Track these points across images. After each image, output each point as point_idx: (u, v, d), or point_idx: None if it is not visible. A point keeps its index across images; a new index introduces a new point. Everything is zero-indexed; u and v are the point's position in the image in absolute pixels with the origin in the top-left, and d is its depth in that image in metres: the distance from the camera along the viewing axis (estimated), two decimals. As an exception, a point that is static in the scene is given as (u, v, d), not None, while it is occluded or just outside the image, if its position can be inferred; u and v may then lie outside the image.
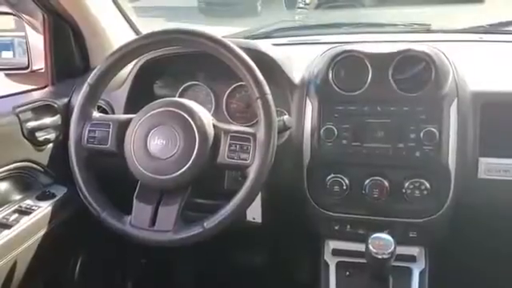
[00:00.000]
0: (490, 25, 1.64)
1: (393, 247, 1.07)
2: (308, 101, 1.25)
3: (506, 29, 1.64)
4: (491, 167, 1.18)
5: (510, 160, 1.18)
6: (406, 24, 1.76)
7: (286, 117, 1.21)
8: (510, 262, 1.49)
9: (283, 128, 1.19)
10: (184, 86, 1.44)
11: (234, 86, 1.40)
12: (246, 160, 1.05)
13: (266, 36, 1.77)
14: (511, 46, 1.52)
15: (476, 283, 1.59)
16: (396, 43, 1.26)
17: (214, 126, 1.09)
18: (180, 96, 1.45)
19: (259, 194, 1.24)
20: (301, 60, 1.38)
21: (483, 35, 1.58)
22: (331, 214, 1.28)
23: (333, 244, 1.32)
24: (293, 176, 1.27)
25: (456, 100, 1.17)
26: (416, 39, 1.58)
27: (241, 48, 1.10)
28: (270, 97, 1.06)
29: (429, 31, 1.68)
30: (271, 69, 1.28)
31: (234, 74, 1.08)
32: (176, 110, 1.08)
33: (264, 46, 1.33)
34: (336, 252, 1.31)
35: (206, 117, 1.10)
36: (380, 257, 1.07)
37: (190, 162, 1.04)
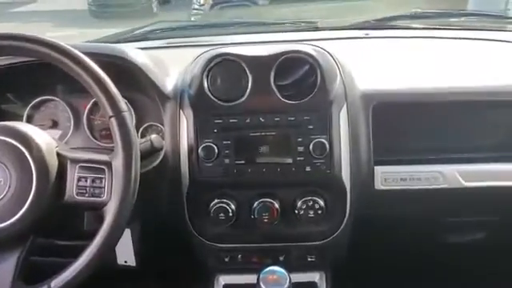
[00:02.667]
0: (376, 20, 1.57)
1: (288, 282, 0.92)
2: (182, 114, 1.06)
3: (392, 24, 1.57)
4: (388, 176, 1.08)
5: (407, 167, 1.08)
6: (292, 22, 1.65)
7: (153, 136, 1.02)
8: (416, 276, 1.42)
9: (151, 150, 1.00)
10: (34, 102, 1.19)
11: None
12: (100, 197, 0.84)
13: (143, 38, 1.57)
14: (397, 41, 1.46)
15: None
16: (280, 44, 1.11)
17: (59, 154, 0.87)
18: (30, 114, 1.20)
19: (129, 233, 1.04)
20: (177, 65, 1.19)
21: (370, 31, 1.51)
22: (219, 245, 1.11)
23: (223, 279, 1.15)
24: (171, 205, 1.08)
25: (345, 105, 1.05)
26: (303, 38, 1.46)
27: (94, 54, 0.92)
28: (126, 114, 0.87)
29: (316, 29, 1.57)
30: (136, 77, 1.08)
31: None
32: (4, 139, 0.84)
33: (127, 50, 1.12)
34: None
35: (47, 144, 0.87)
36: None
37: (27, 205, 0.82)
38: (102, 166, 0.85)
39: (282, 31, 1.61)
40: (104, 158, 0.86)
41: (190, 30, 1.72)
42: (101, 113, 1.19)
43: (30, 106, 1.19)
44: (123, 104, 0.87)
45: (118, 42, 1.52)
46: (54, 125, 1.20)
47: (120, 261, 1.06)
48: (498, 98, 1.10)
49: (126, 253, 1.05)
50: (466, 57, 1.31)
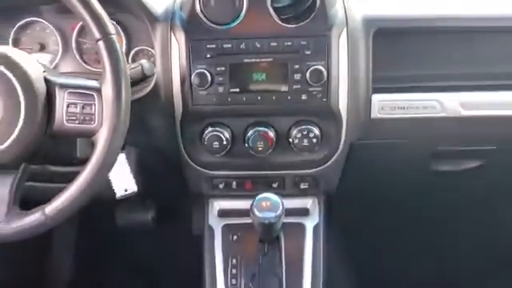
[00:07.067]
0: None
1: (280, 209, 0.94)
2: (174, 38, 1.01)
3: None
4: (385, 105, 1.06)
5: (404, 95, 1.06)
6: None
7: (144, 61, 0.99)
8: (408, 203, 1.44)
9: (141, 76, 0.97)
10: (19, 24, 1.14)
11: None
12: (90, 124, 0.82)
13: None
14: None
15: (376, 231, 1.53)
16: None
17: (47, 80, 0.84)
18: (15, 38, 1.16)
19: (125, 159, 1.03)
20: None
21: None
22: (213, 172, 1.11)
23: (218, 204, 1.16)
24: (165, 133, 1.07)
25: (345, 30, 1.00)
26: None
27: None
28: (114, 37, 0.83)
29: None
30: None
31: None
32: None
33: None
34: (222, 213, 1.15)
35: (35, 69, 0.84)
36: (267, 221, 0.93)
37: (16, 132, 0.80)
38: (92, 92, 0.82)
39: None
40: (93, 83, 0.83)
41: None
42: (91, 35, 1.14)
43: (16, 28, 1.14)
44: (111, 26, 0.83)
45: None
46: (42, 48, 1.16)
47: (119, 192, 1.05)
48: (499, 24, 1.06)
49: (124, 181, 1.04)
50: None
